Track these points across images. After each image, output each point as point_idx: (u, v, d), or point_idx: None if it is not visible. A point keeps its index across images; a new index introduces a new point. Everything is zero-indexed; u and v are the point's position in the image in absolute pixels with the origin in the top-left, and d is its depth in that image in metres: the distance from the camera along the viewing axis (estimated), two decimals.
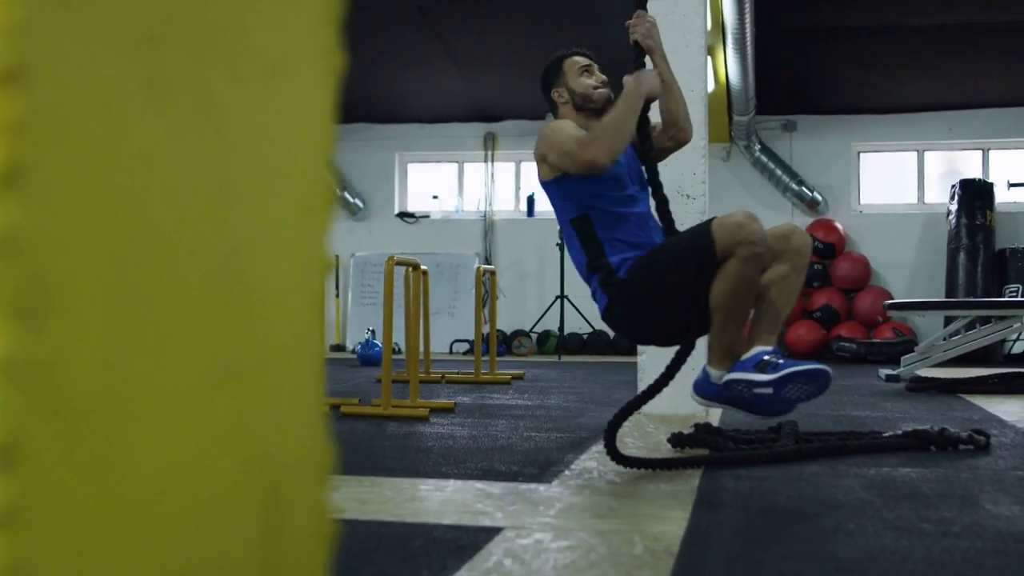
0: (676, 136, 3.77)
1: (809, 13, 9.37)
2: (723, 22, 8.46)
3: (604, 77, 3.75)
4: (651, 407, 5.22)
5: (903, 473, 3.39)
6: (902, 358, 7.88)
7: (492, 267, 8.02)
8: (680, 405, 5.24)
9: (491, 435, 4.39)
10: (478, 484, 3.16)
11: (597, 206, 3.48)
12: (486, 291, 9.60)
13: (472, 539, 2.40)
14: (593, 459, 3.71)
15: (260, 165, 0.83)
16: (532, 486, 3.13)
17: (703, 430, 3.99)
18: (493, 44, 10.28)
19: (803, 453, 3.73)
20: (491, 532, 2.47)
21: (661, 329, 3.52)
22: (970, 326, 8.18)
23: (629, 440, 4.25)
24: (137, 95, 0.65)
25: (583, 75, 3.70)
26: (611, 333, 11.68)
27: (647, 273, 3.37)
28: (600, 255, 3.45)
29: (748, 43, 8.68)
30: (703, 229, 3.28)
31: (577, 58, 3.74)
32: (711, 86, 9.34)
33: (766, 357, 3.34)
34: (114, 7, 0.63)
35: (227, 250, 0.78)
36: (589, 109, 3.68)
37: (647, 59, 3.68)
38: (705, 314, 3.34)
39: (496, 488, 3.09)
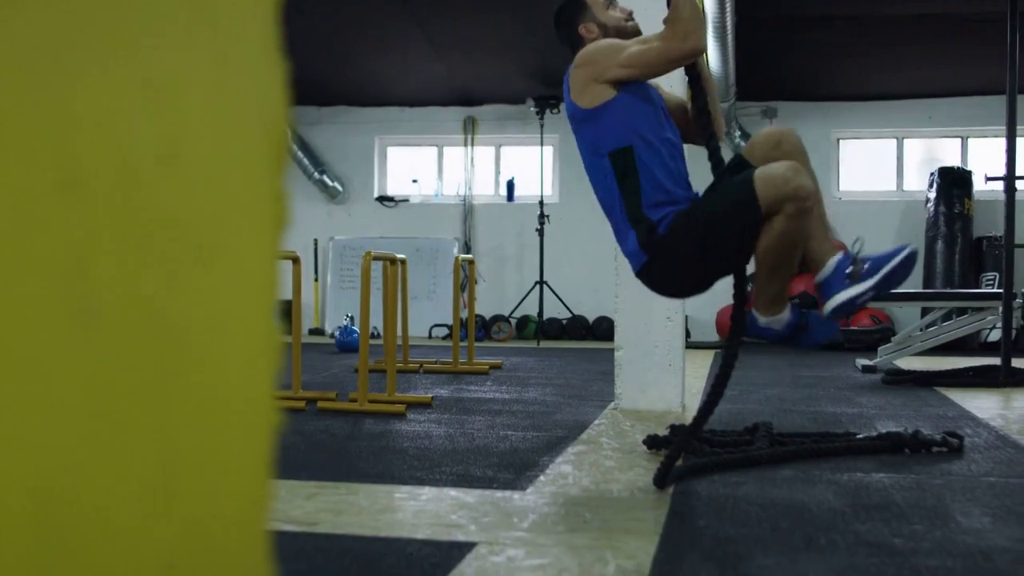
0: (715, 129, 3.49)
1: (790, 2, 9.36)
2: (704, 11, 8.43)
3: (629, 9, 3.62)
4: (627, 402, 5.26)
5: (876, 479, 3.41)
6: (879, 348, 7.92)
7: (471, 256, 7.98)
8: (656, 401, 5.26)
9: (467, 434, 4.40)
10: (453, 492, 3.16)
11: (641, 136, 3.30)
12: (464, 276, 9.59)
13: (445, 556, 2.40)
14: (568, 462, 3.71)
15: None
16: (507, 494, 3.13)
17: (679, 432, 4.00)
18: (473, 29, 10.24)
19: (777, 457, 3.74)
20: (464, 548, 2.47)
21: (702, 282, 3.39)
22: (947, 316, 8.23)
23: (605, 440, 4.26)
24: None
25: (610, 8, 3.57)
26: (590, 318, 11.70)
27: (689, 230, 3.23)
28: (638, 205, 3.27)
29: (729, 32, 8.67)
30: (746, 183, 3.14)
31: None
32: None
33: (849, 269, 3.30)
34: None
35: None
36: None
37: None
38: (746, 261, 3.28)
39: (471, 496, 3.09)
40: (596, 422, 4.80)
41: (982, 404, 5.63)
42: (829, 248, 3.37)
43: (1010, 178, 6.71)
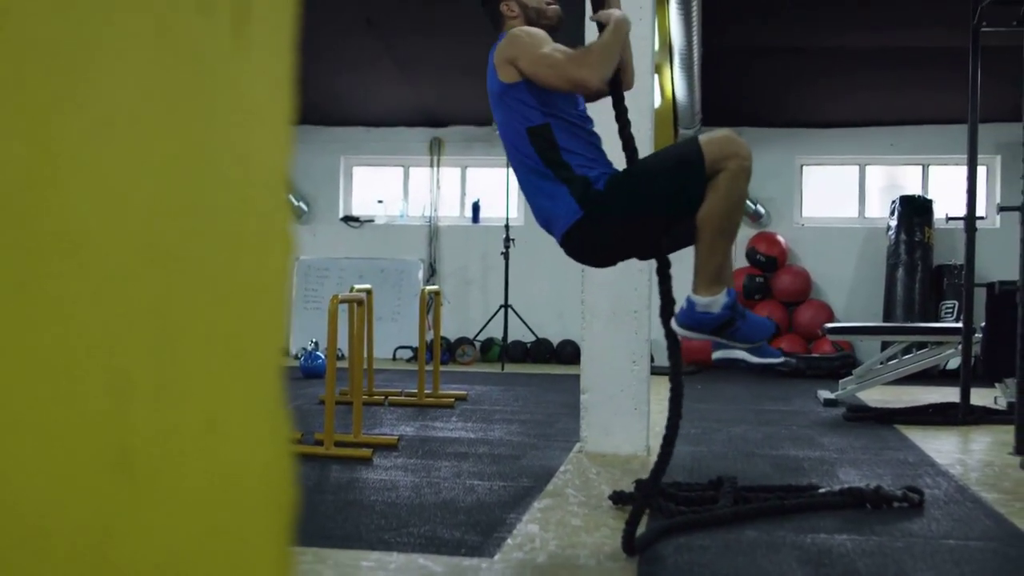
0: (624, 80, 3.57)
1: (754, 34, 9.44)
2: (670, 42, 8.50)
3: None
4: (593, 445, 5.29)
5: (839, 542, 3.45)
6: (840, 382, 8.01)
7: (436, 287, 8.00)
8: (621, 444, 5.29)
9: (433, 484, 4.41)
10: (421, 559, 3.17)
11: (558, 115, 3.36)
12: (431, 302, 9.59)
13: None
14: (535, 520, 3.74)
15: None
16: (475, 562, 3.15)
17: (643, 488, 4.02)
18: (440, 51, 10.26)
19: (742, 515, 3.78)
20: None
21: (631, 247, 3.43)
22: (907, 348, 8.32)
23: (571, 492, 4.28)
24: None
25: None
26: (554, 342, 11.73)
27: (630, 185, 3.28)
28: (565, 166, 3.31)
29: (695, 62, 8.74)
30: (690, 143, 3.23)
31: None
32: (658, 102, 9.38)
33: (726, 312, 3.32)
34: None
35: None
36: (543, 25, 3.58)
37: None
38: (682, 230, 3.30)
39: (439, 565, 3.11)
40: (562, 468, 4.83)
41: (941, 447, 5.70)
42: (727, 278, 3.33)
43: (970, 218, 6.80)
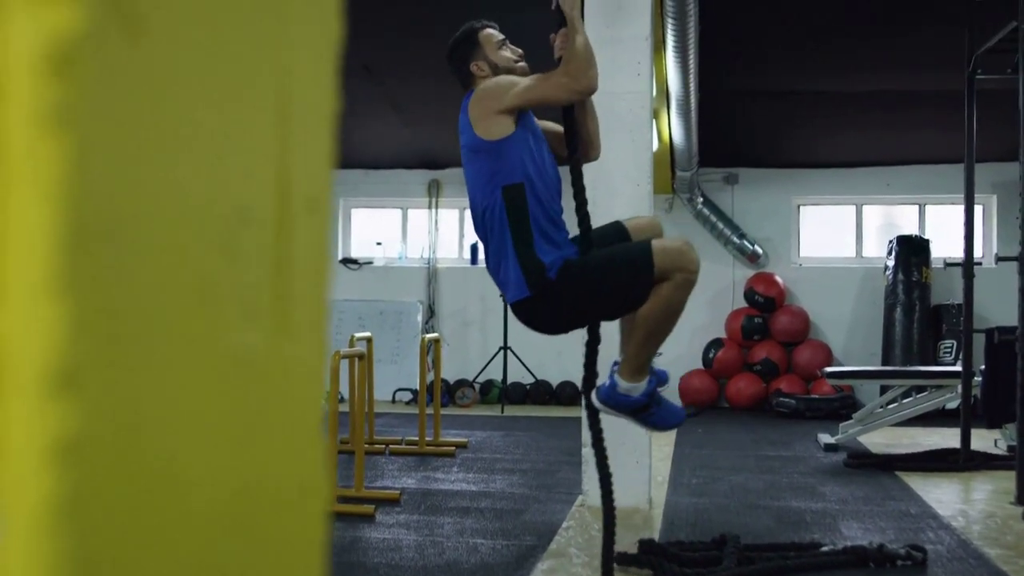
0: (587, 152, 3.68)
1: (750, 78, 9.51)
2: (667, 88, 8.56)
3: (520, 50, 3.73)
4: (594, 499, 5.28)
5: None
6: (840, 425, 8.01)
7: (436, 335, 8.02)
8: (623, 497, 5.28)
9: (437, 544, 4.41)
10: None
11: (532, 174, 3.44)
12: (430, 346, 9.59)
13: None
14: None
15: None
16: None
17: (648, 550, 4.03)
18: (436, 95, 10.29)
19: None
20: None
21: (571, 326, 3.59)
22: (907, 392, 8.33)
23: (574, 552, 4.29)
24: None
25: (502, 48, 3.67)
26: (553, 383, 11.73)
27: (580, 280, 3.41)
28: (527, 240, 3.40)
29: (692, 108, 8.79)
30: (643, 248, 3.37)
31: (491, 31, 3.70)
32: (655, 145, 9.43)
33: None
34: None
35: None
36: None
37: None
38: (621, 315, 3.50)
39: None
40: (564, 524, 4.83)
41: (943, 496, 5.71)
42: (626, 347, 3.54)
43: (968, 264, 6.83)
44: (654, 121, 8.17)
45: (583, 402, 3.76)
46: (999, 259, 5.73)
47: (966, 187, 6.82)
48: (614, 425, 5.28)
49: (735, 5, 7.73)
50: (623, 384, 3.48)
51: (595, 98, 4.14)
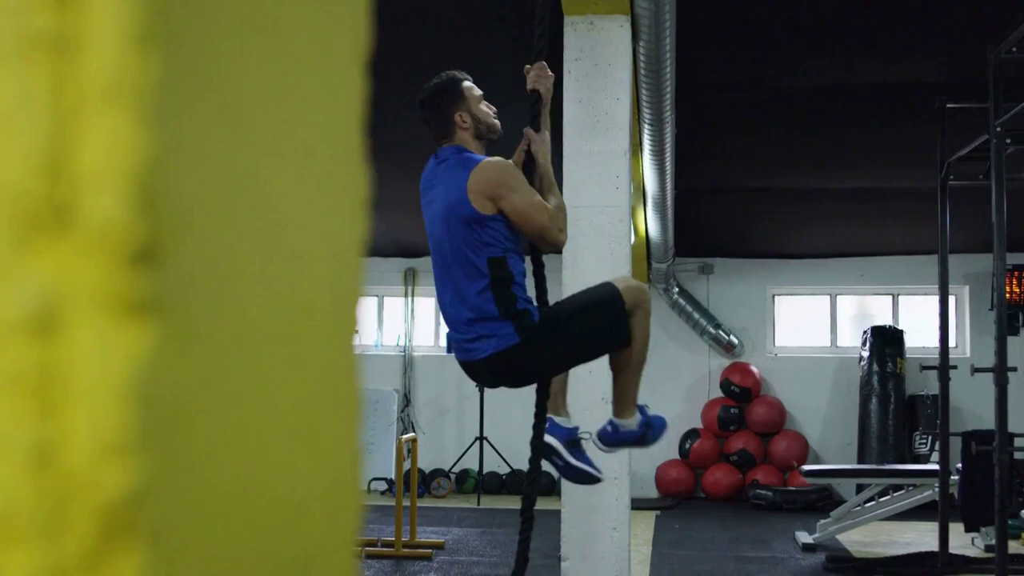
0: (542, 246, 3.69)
1: (727, 176, 9.60)
2: (644, 187, 8.63)
3: (495, 108, 3.72)
4: None
5: None
6: (818, 523, 7.99)
7: (413, 435, 7.98)
8: None
9: None
10: None
11: (513, 250, 3.52)
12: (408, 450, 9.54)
13: None
14: None
15: None
16: None
17: None
18: (411, 191, 10.35)
19: None
20: None
21: (557, 370, 3.70)
22: (884, 490, 8.34)
23: None
24: None
25: (481, 103, 3.64)
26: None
27: (564, 322, 3.53)
28: (511, 301, 3.46)
29: (668, 206, 8.86)
30: (609, 288, 3.63)
31: (472, 84, 3.67)
32: (631, 239, 9.49)
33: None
34: None
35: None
36: (488, 139, 3.65)
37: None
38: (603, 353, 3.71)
39: None
40: None
41: None
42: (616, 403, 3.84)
43: (943, 367, 6.87)
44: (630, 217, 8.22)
45: (556, 483, 3.89)
46: (975, 370, 5.76)
47: (940, 292, 6.89)
48: (593, 538, 5.27)
49: (710, 106, 7.83)
50: (624, 423, 3.77)
51: (573, 212, 4.21)
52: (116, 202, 0.38)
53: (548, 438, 3.82)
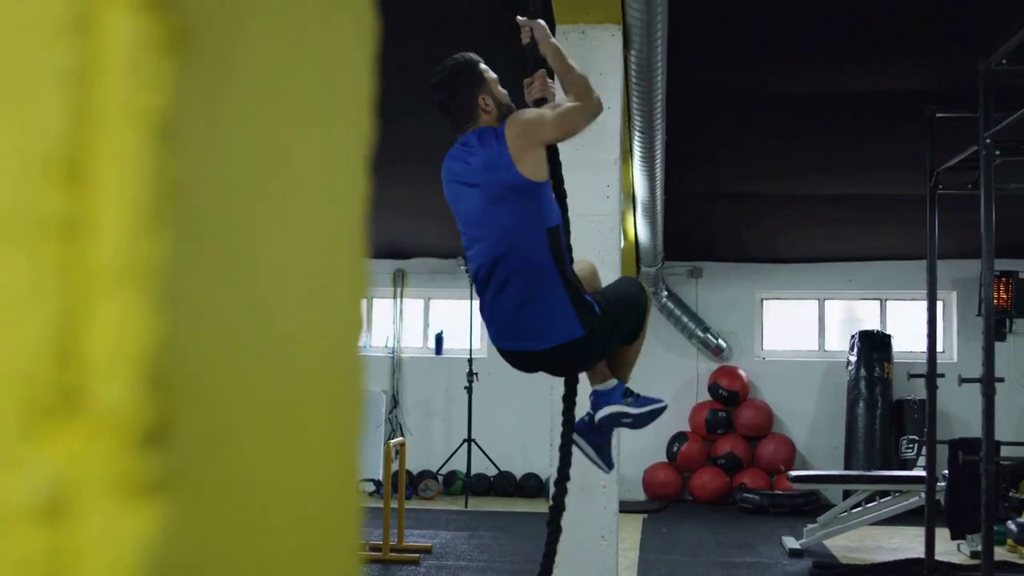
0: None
1: (716, 181, 9.60)
2: (633, 192, 8.63)
3: (505, 91, 3.63)
4: None
5: None
6: (805, 529, 8.01)
7: (402, 439, 7.98)
8: None
9: None
10: None
11: (560, 217, 3.53)
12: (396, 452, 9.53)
13: None
14: None
15: None
16: None
17: None
18: (401, 193, 10.34)
19: None
20: None
21: (596, 361, 3.72)
22: (871, 495, 8.36)
23: None
24: None
25: (498, 85, 3.54)
26: (517, 475, 11.66)
27: (617, 312, 3.57)
28: (579, 287, 3.48)
29: (658, 211, 8.86)
30: (637, 284, 3.93)
31: (486, 66, 3.54)
32: (621, 244, 9.49)
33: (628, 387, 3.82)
34: None
35: None
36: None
37: None
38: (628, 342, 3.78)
39: None
40: None
41: None
42: (621, 374, 3.83)
43: (930, 375, 6.89)
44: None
45: (549, 492, 3.88)
46: (963, 380, 5.77)
47: (928, 301, 6.90)
48: (582, 547, 5.27)
49: (701, 112, 7.83)
50: (603, 387, 3.74)
51: None
52: (126, 385, 0.38)
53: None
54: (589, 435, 3.82)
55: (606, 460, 3.89)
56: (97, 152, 0.39)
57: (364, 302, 0.75)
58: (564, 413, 3.79)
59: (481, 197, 3.41)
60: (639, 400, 3.76)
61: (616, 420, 3.75)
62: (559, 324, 3.42)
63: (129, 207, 0.39)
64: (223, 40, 0.47)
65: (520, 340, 3.49)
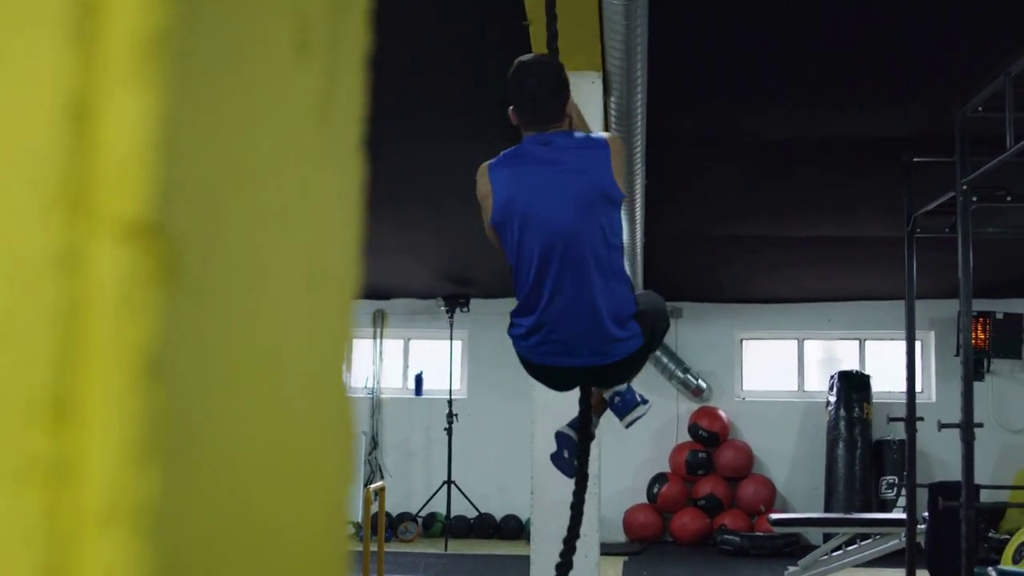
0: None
1: (695, 223, 9.64)
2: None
3: None
4: None
5: None
6: (786, 572, 8.00)
7: (382, 483, 7.93)
8: None
9: None
10: None
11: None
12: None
13: None
14: None
15: None
16: None
17: None
18: (383, 235, 10.35)
19: None
20: None
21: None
22: (852, 538, 8.35)
23: None
24: None
25: None
26: (497, 516, 11.60)
27: (659, 324, 3.63)
28: (637, 302, 3.49)
29: (638, 253, 8.89)
30: (661, 298, 3.82)
31: None
32: None
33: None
34: None
35: None
36: None
37: None
38: None
39: None
40: None
41: None
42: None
43: (910, 419, 6.91)
44: None
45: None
46: (942, 426, 5.80)
47: (907, 344, 6.93)
48: None
49: (680, 156, 7.87)
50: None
51: None
52: None
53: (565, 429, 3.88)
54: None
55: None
56: (84, 391, 0.39)
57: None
58: (579, 469, 3.84)
59: (573, 200, 3.30)
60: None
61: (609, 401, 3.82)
62: (627, 336, 3.38)
63: (117, 446, 0.39)
64: (207, 259, 0.47)
65: (579, 355, 3.40)
